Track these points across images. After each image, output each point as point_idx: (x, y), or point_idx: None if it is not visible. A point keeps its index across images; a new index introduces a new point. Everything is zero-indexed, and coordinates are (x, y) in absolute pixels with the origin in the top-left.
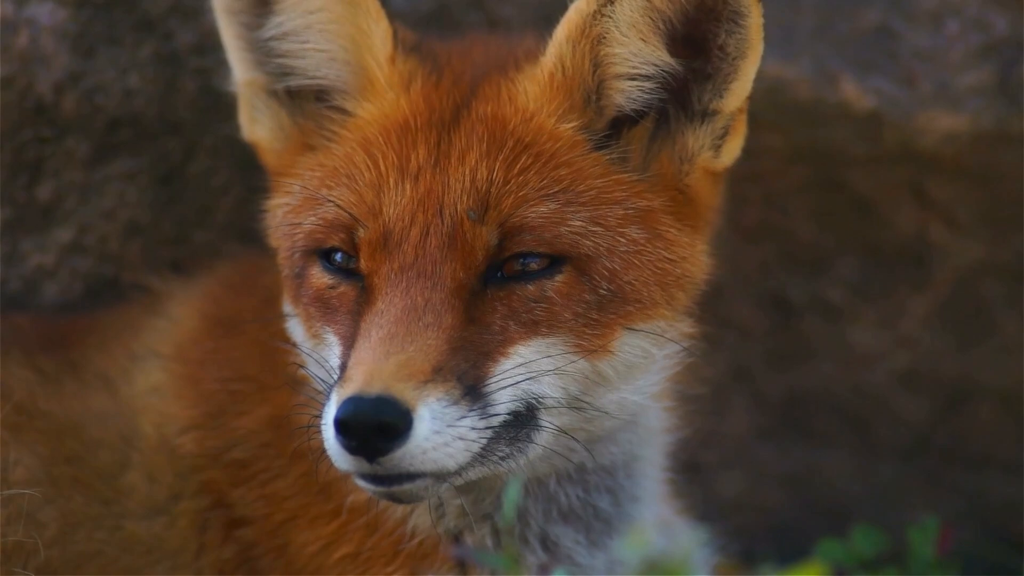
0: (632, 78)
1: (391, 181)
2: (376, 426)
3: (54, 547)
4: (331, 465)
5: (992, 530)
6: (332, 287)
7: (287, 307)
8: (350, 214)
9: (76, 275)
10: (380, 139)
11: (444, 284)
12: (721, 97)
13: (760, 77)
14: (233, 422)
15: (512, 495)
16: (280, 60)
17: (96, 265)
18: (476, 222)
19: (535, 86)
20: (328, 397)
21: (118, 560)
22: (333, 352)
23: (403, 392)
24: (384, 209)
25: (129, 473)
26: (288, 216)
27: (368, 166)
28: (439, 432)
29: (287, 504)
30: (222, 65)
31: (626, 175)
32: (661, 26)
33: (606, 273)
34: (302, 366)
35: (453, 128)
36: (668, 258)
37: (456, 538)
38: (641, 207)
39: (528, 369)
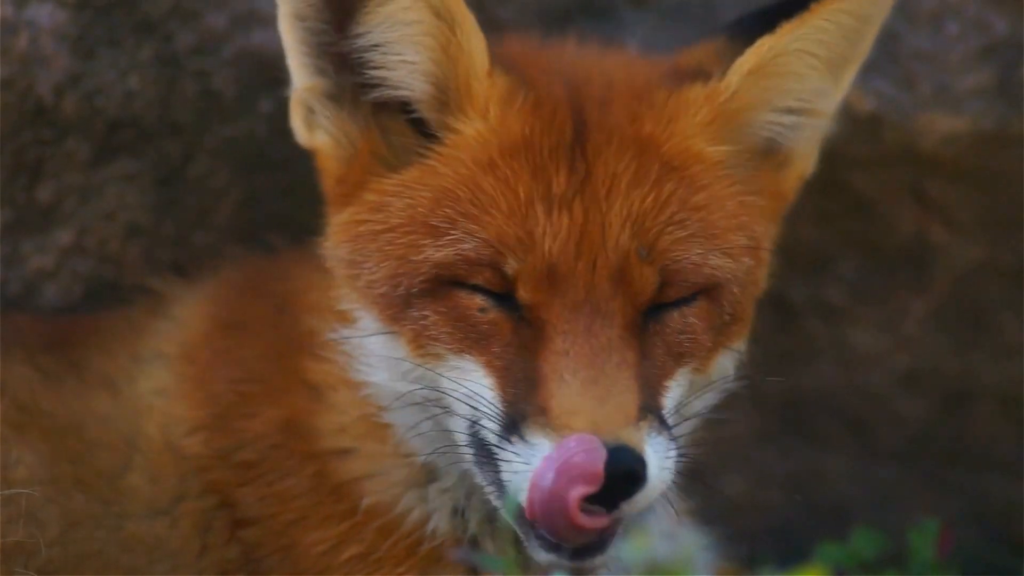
0: (793, 112)
1: (538, 210)
2: (626, 475)
3: (55, 547)
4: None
5: (992, 532)
6: (483, 310)
7: (372, 322)
8: (497, 248)
9: (76, 277)
10: (503, 161)
11: (617, 321)
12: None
13: None
14: (242, 423)
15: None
16: (365, 71)
17: (96, 267)
18: (644, 260)
19: (698, 111)
20: (500, 429)
21: (119, 560)
22: (477, 382)
23: (631, 438)
24: (540, 241)
25: (131, 474)
26: (389, 236)
27: (501, 192)
28: (662, 468)
29: (296, 504)
30: (223, 67)
31: (751, 198)
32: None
33: (731, 299)
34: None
35: (581, 150)
36: (761, 275)
37: (472, 542)
38: (757, 231)
39: (676, 396)
